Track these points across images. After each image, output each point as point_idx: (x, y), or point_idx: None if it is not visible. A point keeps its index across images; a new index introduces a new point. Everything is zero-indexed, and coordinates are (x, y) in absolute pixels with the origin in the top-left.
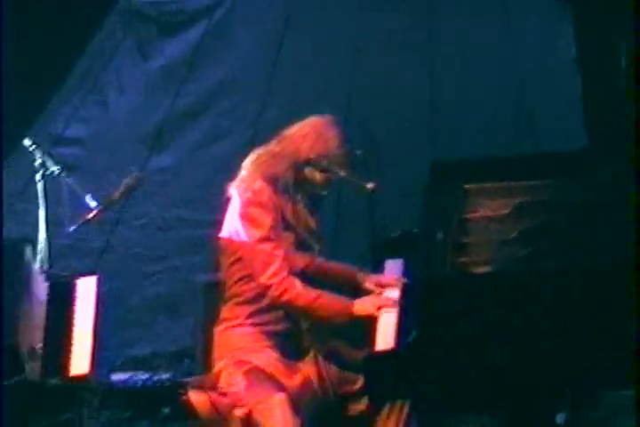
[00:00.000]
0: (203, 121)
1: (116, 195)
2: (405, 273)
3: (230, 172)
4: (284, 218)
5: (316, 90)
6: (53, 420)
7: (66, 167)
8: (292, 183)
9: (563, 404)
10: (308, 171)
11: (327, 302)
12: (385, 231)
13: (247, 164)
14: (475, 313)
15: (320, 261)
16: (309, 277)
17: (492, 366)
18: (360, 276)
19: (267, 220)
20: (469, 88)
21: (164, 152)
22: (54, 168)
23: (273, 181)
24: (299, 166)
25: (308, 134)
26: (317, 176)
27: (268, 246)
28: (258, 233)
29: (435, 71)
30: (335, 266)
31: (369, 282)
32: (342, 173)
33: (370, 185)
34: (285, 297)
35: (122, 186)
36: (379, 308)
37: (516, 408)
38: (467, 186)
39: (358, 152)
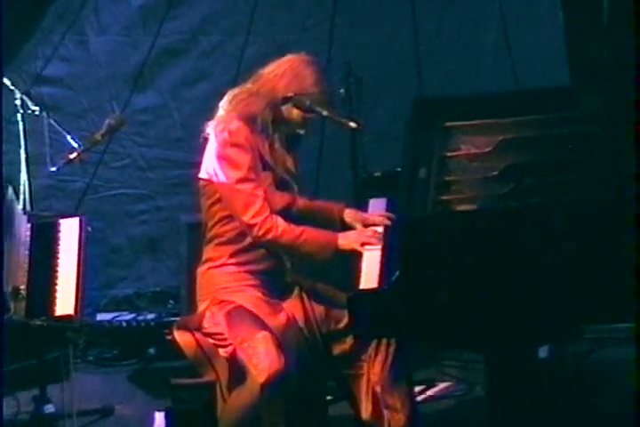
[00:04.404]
0: (185, 60)
1: (99, 135)
2: (389, 212)
3: (213, 112)
4: (261, 158)
5: (298, 27)
6: (39, 360)
7: (46, 107)
8: (270, 123)
9: (546, 338)
10: (285, 110)
11: (311, 236)
12: (368, 171)
13: (224, 103)
14: (457, 251)
15: (304, 200)
16: (293, 217)
17: (475, 302)
18: (347, 213)
19: (244, 160)
20: (450, 23)
21: (145, 92)
22: (34, 108)
23: (250, 120)
24: (276, 105)
25: (285, 73)
26: (295, 115)
27: (247, 187)
28: (236, 174)
29: (417, 5)
30: (321, 204)
31: (355, 221)
32: (325, 113)
33: (352, 124)
34: (270, 236)
35: (104, 126)
36: (362, 243)
37: (499, 343)
38: (448, 124)
39: (341, 90)
